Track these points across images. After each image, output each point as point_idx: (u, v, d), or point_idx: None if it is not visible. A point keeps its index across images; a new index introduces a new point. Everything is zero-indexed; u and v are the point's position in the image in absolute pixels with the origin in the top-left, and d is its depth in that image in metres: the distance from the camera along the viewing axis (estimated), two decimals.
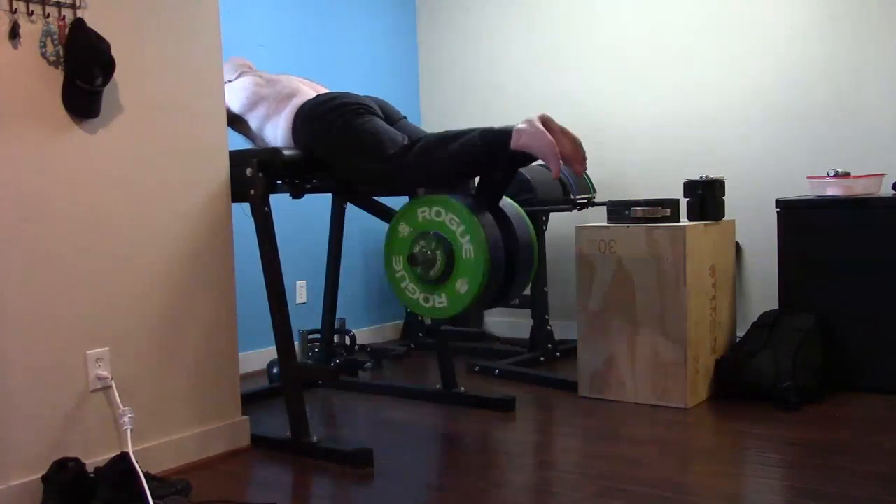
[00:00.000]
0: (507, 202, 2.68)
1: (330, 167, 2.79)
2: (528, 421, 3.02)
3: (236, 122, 2.99)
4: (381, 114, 2.79)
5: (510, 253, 2.57)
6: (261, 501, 2.25)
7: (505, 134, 2.46)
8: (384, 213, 3.13)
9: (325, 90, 2.98)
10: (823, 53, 3.63)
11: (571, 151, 2.48)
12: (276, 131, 2.85)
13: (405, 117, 2.92)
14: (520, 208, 2.69)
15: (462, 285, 2.52)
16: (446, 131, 2.62)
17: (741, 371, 3.12)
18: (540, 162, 3.98)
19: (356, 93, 2.85)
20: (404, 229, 2.63)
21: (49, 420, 2.25)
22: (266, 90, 2.93)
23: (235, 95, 2.96)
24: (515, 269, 2.60)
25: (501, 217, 2.60)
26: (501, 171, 2.58)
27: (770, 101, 3.76)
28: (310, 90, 2.92)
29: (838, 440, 2.64)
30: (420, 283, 2.61)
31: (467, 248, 2.50)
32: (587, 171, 3.94)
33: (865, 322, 3.17)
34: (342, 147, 2.70)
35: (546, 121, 2.45)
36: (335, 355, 3.66)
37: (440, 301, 2.58)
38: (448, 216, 2.54)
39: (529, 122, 2.44)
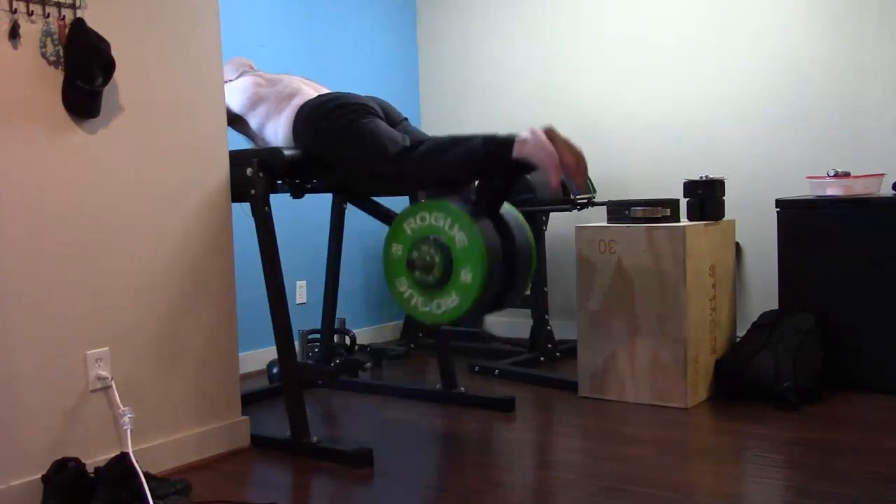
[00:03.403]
0: (506, 207, 2.66)
1: (330, 167, 2.79)
2: (528, 421, 3.02)
3: (237, 121, 2.99)
4: (381, 115, 2.78)
5: (509, 258, 2.54)
6: (261, 501, 2.25)
7: (507, 143, 2.44)
8: (384, 215, 3.13)
9: (325, 90, 2.98)
10: (823, 53, 3.63)
11: (573, 164, 2.44)
12: (277, 131, 2.85)
13: (406, 119, 2.92)
14: (519, 214, 2.67)
15: (466, 276, 2.47)
16: (448, 136, 2.62)
17: (741, 371, 3.12)
18: None
19: (356, 93, 2.85)
20: (397, 247, 2.61)
21: (49, 420, 2.25)
22: (266, 90, 2.93)
23: (236, 95, 2.96)
24: (514, 274, 2.58)
25: (501, 224, 2.57)
26: (502, 178, 2.56)
27: (770, 101, 3.76)
28: (310, 90, 2.92)
29: (838, 440, 2.64)
30: (424, 292, 2.56)
31: (462, 240, 2.46)
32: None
33: (865, 322, 3.17)
34: (342, 148, 2.70)
35: (549, 131, 2.41)
36: (335, 355, 3.66)
37: (450, 301, 2.52)
38: (445, 221, 2.51)
39: (533, 132, 2.41)
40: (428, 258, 2.52)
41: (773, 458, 2.52)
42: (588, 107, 4.24)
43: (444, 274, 2.50)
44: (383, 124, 2.70)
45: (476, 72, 4.61)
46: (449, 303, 2.52)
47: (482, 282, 2.45)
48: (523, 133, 2.43)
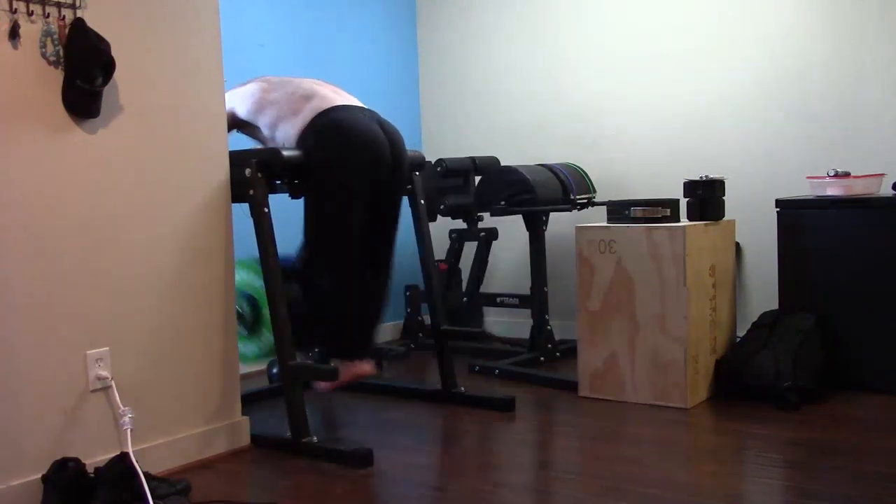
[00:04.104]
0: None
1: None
2: (528, 421, 3.02)
3: (245, 126, 3.00)
4: (383, 187, 2.89)
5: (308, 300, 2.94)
6: (261, 501, 2.26)
7: (343, 353, 2.89)
8: None
9: (343, 92, 2.97)
10: (823, 53, 3.63)
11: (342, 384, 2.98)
12: (290, 133, 2.84)
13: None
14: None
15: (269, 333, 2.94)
16: (356, 307, 2.90)
17: (741, 371, 3.12)
18: (539, 162, 4.01)
19: (373, 129, 2.85)
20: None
21: (49, 420, 2.25)
22: (274, 94, 2.92)
23: (242, 100, 2.96)
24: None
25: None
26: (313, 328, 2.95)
27: (770, 100, 3.76)
28: (329, 92, 2.91)
29: (838, 440, 2.64)
30: (251, 336, 3.17)
31: (261, 284, 2.88)
32: (587, 171, 3.98)
33: (865, 322, 3.17)
34: (324, 194, 2.82)
35: (362, 374, 2.92)
36: None
37: (266, 336, 3.06)
38: (247, 274, 3.10)
39: (357, 371, 2.87)
40: (240, 309, 2.99)
41: (773, 458, 2.52)
42: (588, 107, 4.24)
43: (254, 316, 3.07)
44: (364, 223, 2.86)
45: (476, 72, 4.61)
46: (266, 338, 3.03)
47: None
48: (357, 365, 2.87)
